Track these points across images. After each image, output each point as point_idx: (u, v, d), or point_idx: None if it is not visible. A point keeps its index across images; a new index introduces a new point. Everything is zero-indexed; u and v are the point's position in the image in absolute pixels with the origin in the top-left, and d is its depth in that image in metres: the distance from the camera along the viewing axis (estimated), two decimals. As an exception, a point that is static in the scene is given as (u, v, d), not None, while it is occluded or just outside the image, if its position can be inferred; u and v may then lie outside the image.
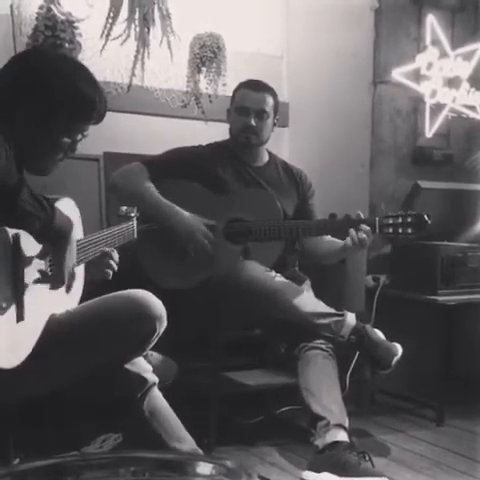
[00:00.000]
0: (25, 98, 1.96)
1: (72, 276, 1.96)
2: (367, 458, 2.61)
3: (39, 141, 2.00)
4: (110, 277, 2.25)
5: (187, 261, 2.98)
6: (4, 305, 1.77)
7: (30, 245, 1.87)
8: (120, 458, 1.56)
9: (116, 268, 2.26)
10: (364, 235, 2.81)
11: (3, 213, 1.74)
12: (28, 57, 2.10)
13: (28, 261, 1.89)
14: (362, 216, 2.87)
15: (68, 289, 2.05)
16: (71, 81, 2.01)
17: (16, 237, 1.82)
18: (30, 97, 1.96)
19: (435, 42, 4.17)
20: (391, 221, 2.85)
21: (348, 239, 2.83)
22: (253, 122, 3.13)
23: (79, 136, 2.08)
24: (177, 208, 3.00)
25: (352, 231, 2.82)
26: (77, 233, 2.18)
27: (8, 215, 1.75)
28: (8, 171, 1.70)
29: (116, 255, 2.27)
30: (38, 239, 1.86)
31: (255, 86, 3.18)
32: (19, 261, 1.84)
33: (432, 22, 4.16)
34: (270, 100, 3.17)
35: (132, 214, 2.51)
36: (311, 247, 3.17)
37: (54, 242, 1.88)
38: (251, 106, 3.13)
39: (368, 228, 2.82)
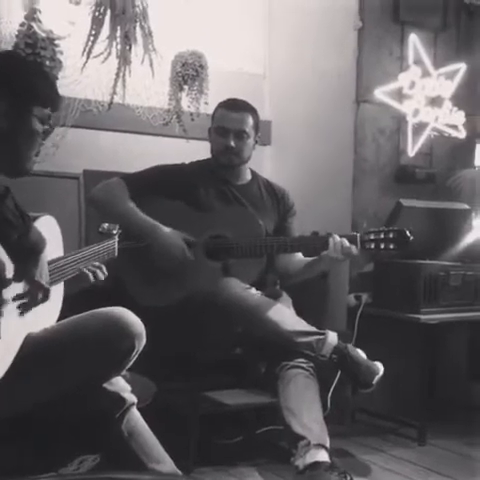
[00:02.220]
0: None
1: (45, 292, 1.93)
2: (348, 478, 2.59)
3: (15, 130, 2.03)
4: (91, 282, 2.24)
5: (166, 278, 2.97)
6: None
7: (8, 264, 1.85)
8: (96, 478, 1.54)
9: (101, 276, 2.26)
10: (348, 243, 2.80)
11: None
12: None
13: (6, 280, 1.87)
14: (356, 234, 2.87)
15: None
16: (27, 73, 2.13)
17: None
18: None
19: (418, 61, 4.20)
20: (373, 237, 2.84)
21: (330, 245, 2.82)
22: (233, 143, 3.11)
23: (48, 122, 2.11)
24: (156, 223, 2.99)
25: (335, 237, 2.82)
26: (57, 250, 2.18)
27: None
28: None
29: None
30: (10, 254, 1.84)
31: (234, 106, 3.16)
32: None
33: (415, 41, 4.20)
34: (249, 119, 3.15)
35: (114, 231, 2.49)
36: (283, 265, 3.16)
37: (24, 259, 1.86)
38: (230, 127, 3.12)
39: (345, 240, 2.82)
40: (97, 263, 2.27)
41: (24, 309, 1.93)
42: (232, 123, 3.12)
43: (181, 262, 2.96)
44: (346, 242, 2.81)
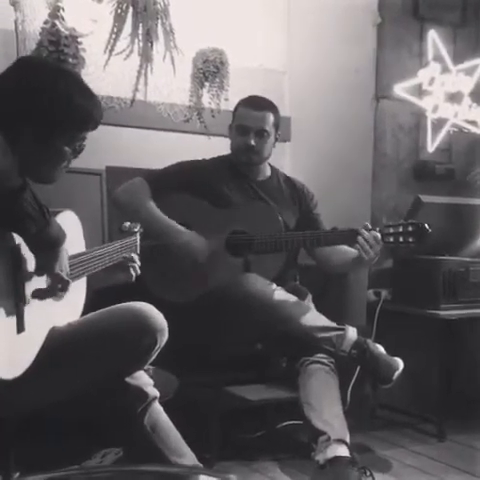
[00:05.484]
0: (24, 115, 1.97)
1: (64, 284, 1.95)
2: (368, 473, 2.61)
3: (42, 153, 2.01)
4: (133, 279, 2.34)
5: (188, 274, 2.99)
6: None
7: (30, 257, 1.88)
8: (121, 472, 1.57)
9: (138, 271, 2.36)
10: (376, 233, 2.81)
11: (3, 213, 1.75)
12: (22, 72, 2.05)
13: (29, 272, 1.89)
14: (369, 226, 2.87)
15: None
16: (67, 95, 2.01)
17: (17, 247, 1.83)
18: (28, 114, 1.97)
19: (437, 57, 4.18)
20: (392, 230, 2.84)
21: (357, 246, 2.83)
22: (253, 142, 3.11)
23: (79, 144, 2.08)
24: (176, 226, 3.01)
25: (360, 237, 2.83)
26: (79, 246, 2.20)
27: (7, 214, 1.76)
28: (9, 173, 1.71)
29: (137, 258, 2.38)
30: (30, 246, 1.86)
31: (255, 104, 3.15)
32: (20, 271, 1.85)
33: (434, 38, 4.18)
34: (270, 118, 3.14)
35: (135, 229, 2.52)
36: (324, 257, 3.15)
37: (44, 252, 1.88)
38: (251, 125, 3.11)
39: (378, 234, 2.82)
40: (135, 256, 2.36)
41: (42, 298, 1.95)
42: (253, 122, 3.12)
43: (198, 264, 2.98)
44: (374, 233, 2.82)
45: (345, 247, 3.05)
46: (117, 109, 3.42)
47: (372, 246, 2.81)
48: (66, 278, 1.92)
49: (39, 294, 1.92)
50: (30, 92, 1.98)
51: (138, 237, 2.50)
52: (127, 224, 2.52)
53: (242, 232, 3.04)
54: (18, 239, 1.83)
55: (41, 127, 1.98)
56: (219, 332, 2.94)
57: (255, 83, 3.64)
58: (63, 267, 1.92)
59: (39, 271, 1.90)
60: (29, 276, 1.89)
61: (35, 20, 3.14)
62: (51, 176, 2.07)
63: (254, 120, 3.12)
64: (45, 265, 1.89)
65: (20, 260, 1.85)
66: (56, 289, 1.93)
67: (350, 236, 2.87)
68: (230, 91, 3.60)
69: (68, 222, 2.06)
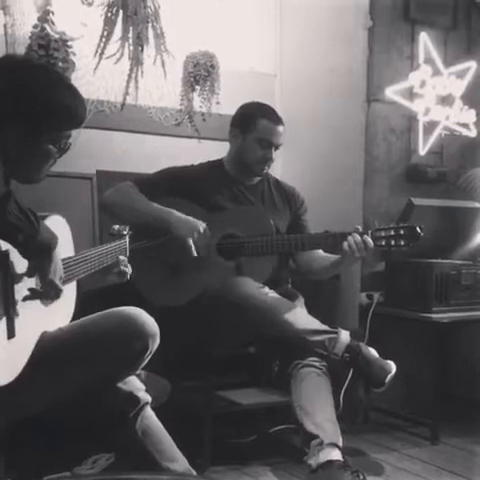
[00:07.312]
0: (8, 115, 1.96)
1: (57, 291, 1.94)
2: (361, 477, 2.60)
3: (28, 153, 2.00)
4: (126, 278, 2.36)
5: (179, 278, 2.98)
6: None
7: (19, 261, 1.87)
8: (112, 479, 1.55)
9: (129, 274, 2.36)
10: (366, 238, 2.80)
11: None
12: (5, 71, 2.03)
13: (18, 277, 1.88)
14: (360, 229, 2.87)
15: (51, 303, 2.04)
16: (51, 94, 2.01)
17: (5, 253, 1.81)
18: (12, 114, 1.96)
19: (428, 60, 4.18)
20: (383, 233, 2.84)
21: (345, 244, 2.82)
22: (274, 156, 3.16)
23: (64, 142, 2.07)
24: (173, 210, 3.00)
25: (350, 237, 2.82)
26: (67, 250, 2.18)
27: None
28: None
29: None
30: (22, 253, 1.85)
31: (277, 119, 3.17)
32: (9, 277, 1.83)
33: (425, 40, 4.18)
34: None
35: (124, 232, 2.51)
36: (304, 263, 3.17)
37: (37, 257, 1.87)
38: (274, 140, 3.14)
39: (368, 238, 2.82)
40: (125, 259, 2.37)
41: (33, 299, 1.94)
42: (276, 138, 3.14)
43: (205, 242, 2.97)
44: (360, 238, 2.81)
45: (323, 253, 3.11)
46: (107, 113, 3.41)
47: (360, 249, 2.81)
48: (59, 286, 1.91)
49: (31, 295, 1.91)
50: (14, 91, 1.97)
51: (127, 240, 2.50)
52: (116, 227, 2.51)
53: (233, 236, 3.03)
54: (6, 245, 1.82)
55: (26, 127, 1.97)
56: (211, 336, 2.93)
57: (246, 86, 3.64)
58: (57, 272, 1.91)
59: (31, 275, 1.89)
60: (19, 281, 1.88)
61: (25, 24, 3.14)
62: (37, 176, 2.06)
63: (277, 136, 3.15)
64: (38, 271, 1.88)
65: (8, 266, 1.84)
66: (48, 295, 1.92)
67: (341, 239, 2.86)
68: (221, 95, 3.60)
69: (56, 226, 2.04)
